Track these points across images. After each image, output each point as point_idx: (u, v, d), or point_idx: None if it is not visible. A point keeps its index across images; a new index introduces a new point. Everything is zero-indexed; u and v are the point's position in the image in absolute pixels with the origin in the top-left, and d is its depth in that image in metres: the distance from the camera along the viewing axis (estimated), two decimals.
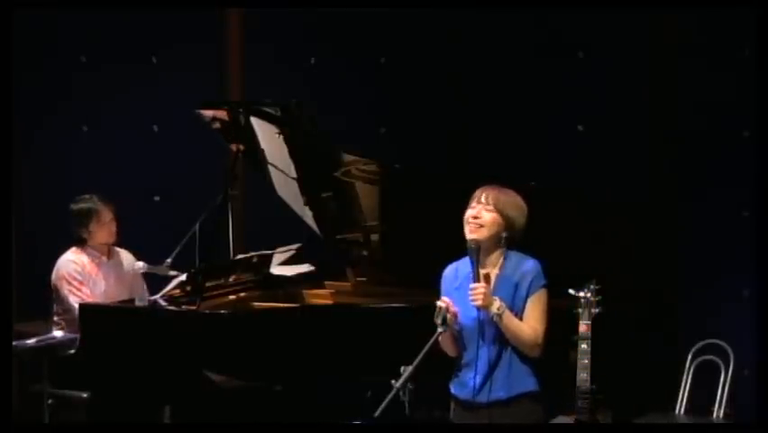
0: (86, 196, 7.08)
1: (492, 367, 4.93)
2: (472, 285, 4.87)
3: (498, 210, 4.91)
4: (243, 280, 6.96)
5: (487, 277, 4.94)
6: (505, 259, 4.96)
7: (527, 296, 4.92)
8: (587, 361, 5.59)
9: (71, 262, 6.97)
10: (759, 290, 6.56)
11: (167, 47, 8.27)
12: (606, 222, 6.61)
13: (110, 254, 7.10)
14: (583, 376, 5.61)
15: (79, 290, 6.89)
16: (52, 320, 6.96)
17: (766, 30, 6.63)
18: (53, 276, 6.98)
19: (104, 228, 7.04)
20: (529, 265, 4.96)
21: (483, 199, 4.92)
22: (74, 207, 7.07)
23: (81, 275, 6.94)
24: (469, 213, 4.94)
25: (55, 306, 6.98)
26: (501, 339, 4.90)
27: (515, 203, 4.95)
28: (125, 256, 7.17)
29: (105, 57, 8.29)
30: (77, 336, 6.47)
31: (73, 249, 7.04)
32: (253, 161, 7.02)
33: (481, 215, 4.91)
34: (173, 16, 8.09)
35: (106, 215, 7.04)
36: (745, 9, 7.01)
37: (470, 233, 4.91)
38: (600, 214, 6.70)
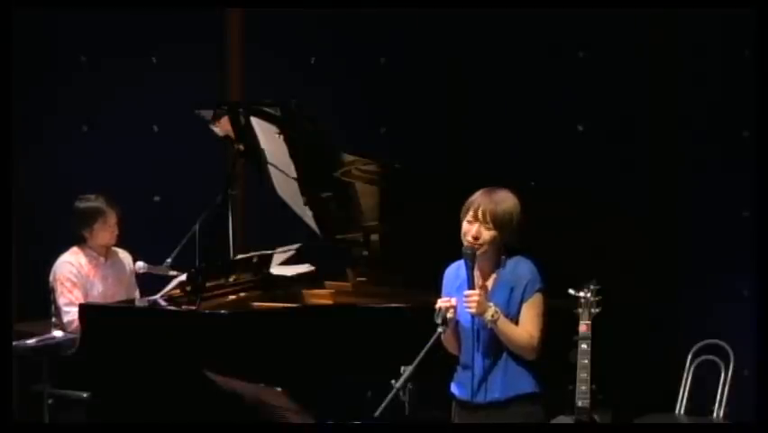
0: (92, 195, 7.03)
1: (489, 368, 4.93)
2: (466, 292, 4.86)
3: (498, 227, 4.88)
4: (243, 280, 6.95)
5: (483, 285, 4.94)
6: (502, 262, 4.96)
7: (523, 300, 4.91)
8: (587, 361, 5.60)
9: (68, 263, 6.95)
10: (759, 290, 6.56)
11: (167, 47, 8.27)
12: (606, 222, 6.61)
13: (108, 255, 7.09)
14: (583, 376, 5.62)
15: (71, 292, 6.86)
16: (51, 321, 6.96)
17: (766, 30, 6.63)
18: (50, 277, 6.98)
19: (107, 230, 7.01)
20: (525, 269, 4.94)
21: (481, 216, 4.87)
22: (79, 205, 7.02)
23: (77, 277, 6.92)
24: (466, 228, 4.90)
25: (53, 306, 6.98)
26: (497, 341, 4.90)
27: (511, 214, 4.89)
28: (123, 256, 7.16)
29: (105, 57, 8.29)
30: (75, 336, 6.47)
31: (72, 250, 7.02)
32: (253, 161, 7.02)
33: (481, 234, 4.88)
34: (173, 16, 8.08)
35: (112, 217, 7.01)
36: (745, 9, 7.01)
37: (468, 245, 4.91)
38: (600, 214, 6.70)
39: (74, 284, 6.89)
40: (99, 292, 6.97)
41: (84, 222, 7.00)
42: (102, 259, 7.05)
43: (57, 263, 6.98)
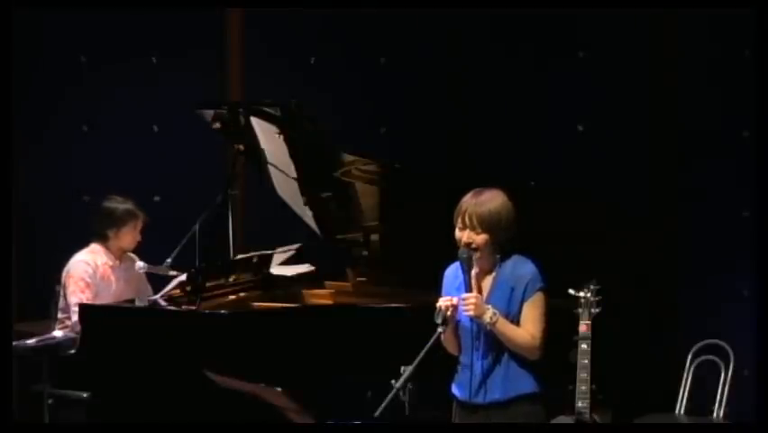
0: (120, 198, 7.05)
1: (489, 369, 4.93)
2: (464, 295, 4.87)
3: (487, 230, 4.88)
4: (243, 280, 6.95)
5: (479, 288, 4.95)
6: (500, 262, 4.96)
7: (524, 300, 4.92)
8: (587, 361, 5.61)
9: (84, 262, 6.95)
10: (759, 290, 6.56)
11: (167, 47, 8.27)
12: (605, 222, 6.61)
13: (122, 258, 7.10)
14: (583, 376, 5.63)
15: (83, 292, 6.87)
16: (56, 317, 6.96)
17: (766, 30, 6.64)
18: (64, 273, 6.98)
19: (133, 234, 7.03)
20: (525, 269, 4.95)
21: (468, 221, 4.88)
22: (110, 205, 7.02)
23: (91, 278, 6.92)
24: (458, 235, 4.91)
25: (61, 301, 6.99)
26: (498, 341, 4.91)
27: (499, 213, 4.89)
28: (132, 259, 7.16)
29: (105, 57, 8.28)
30: (76, 336, 6.47)
31: (91, 248, 7.02)
32: (253, 161, 7.02)
33: (473, 239, 4.89)
34: (173, 16, 8.08)
35: (140, 222, 7.04)
36: (745, 9, 7.01)
37: (463, 249, 4.92)
38: (600, 214, 6.70)
39: (87, 284, 6.90)
40: (111, 293, 6.98)
41: (113, 223, 7.00)
42: (117, 262, 7.05)
43: (73, 261, 6.98)
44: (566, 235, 6.33)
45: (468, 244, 4.88)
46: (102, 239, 7.02)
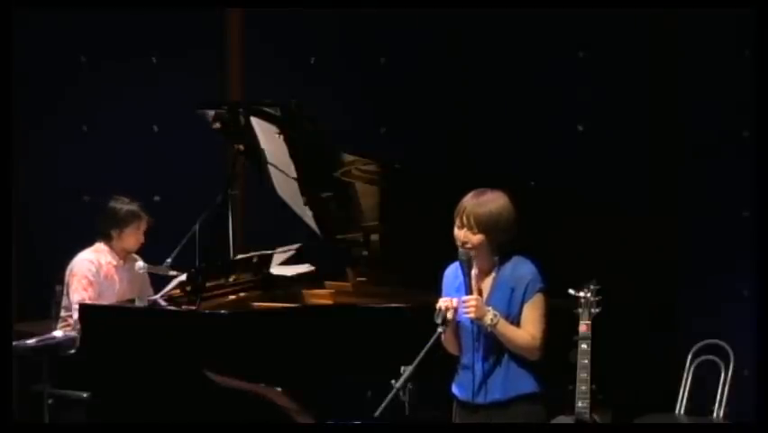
0: (127, 199, 7.07)
1: (490, 369, 4.93)
2: (464, 298, 4.87)
3: (484, 231, 4.88)
4: (243, 280, 6.95)
5: (479, 289, 4.95)
6: (500, 263, 4.96)
7: (524, 300, 4.91)
8: (587, 361, 5.61)
9: (88, 261, 6.97)
10: (759, 290, 6.56)
11: (167, 47, 8.27)
12: (606, 222, 6.62)
13: (126, 259, 7.10)
14: (583, 376, 5.63)
15: (85, 290, 6.88)
16: (58, 315, 6.97)
17: (766, 30, 6.64)
18: (67, 272, 6.99)
19: (136, 236, 7.05)
20: (525, 270, 4.94)
21: (465, 221, 4.89)
22: (115, 205, 7.04)
23: (95, 276, 6.94)
24: (456, 234, 4.92)
25: (64, 299, 6.99)
26: (498, 342, 4.91)
27: (498, 215, 4.88)
28: (136, 260, 7.16)
29: (105, 57, 8.29)
30: (77, 334, 6.47)
31: (95, 247, 7.03)
32: (253, 161, 7.02)
33: (469, 239, 4.89)
34: (173, 16, 8.09)
35: (144, 224, 7.05)
36: (745, 9, 7.02)
37: (463, 250, 4.92)
38: (600, 214, 6.70)
39: (90, 283, 6.91)
40: (114, 293, 6.98)
41: (116, 223, 7.02)
42: (121, 262, 7.06)
43: (76, 259, 6.99)
44: (566, 235, 6.33)
45: (464, 243, 4.89)
46: (106, 239, 7.04)
